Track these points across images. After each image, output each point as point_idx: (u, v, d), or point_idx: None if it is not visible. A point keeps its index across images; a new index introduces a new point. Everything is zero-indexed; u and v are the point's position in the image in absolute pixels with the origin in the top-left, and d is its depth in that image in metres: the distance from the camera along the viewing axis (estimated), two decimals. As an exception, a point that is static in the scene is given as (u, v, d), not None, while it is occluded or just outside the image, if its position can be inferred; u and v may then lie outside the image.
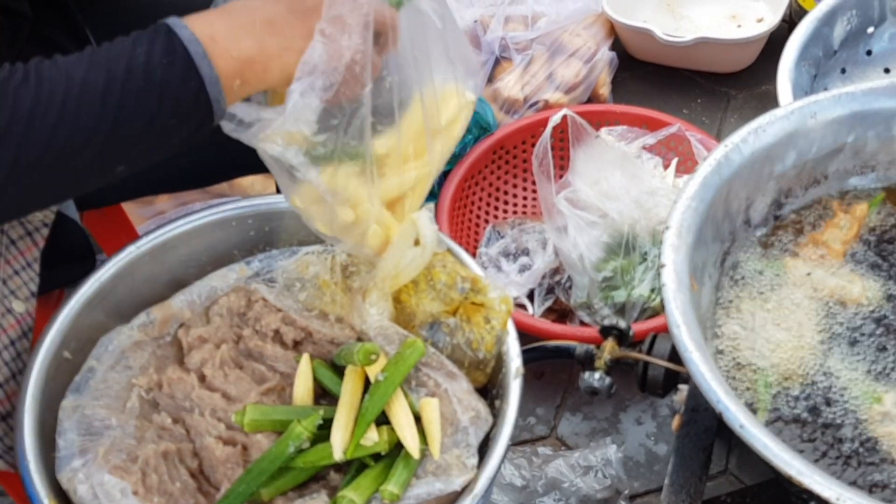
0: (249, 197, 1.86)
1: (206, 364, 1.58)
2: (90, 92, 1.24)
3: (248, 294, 1.67)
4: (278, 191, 2.09)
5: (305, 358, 1.56)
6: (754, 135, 1.71)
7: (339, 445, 1.45)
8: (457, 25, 1.56)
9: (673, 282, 1.50)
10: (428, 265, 1.62)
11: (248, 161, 1.94)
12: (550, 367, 2.37)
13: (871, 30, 2.43)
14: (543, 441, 2.27)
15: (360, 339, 1.59)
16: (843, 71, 2.43)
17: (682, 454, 1.64)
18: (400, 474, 1.45)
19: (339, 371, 1.57)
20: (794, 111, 1.75)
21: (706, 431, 1.66)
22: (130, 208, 2.20)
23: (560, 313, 2.39)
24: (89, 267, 1.66)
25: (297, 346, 1.63)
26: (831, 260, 1.72)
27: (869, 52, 2.45)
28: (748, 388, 1.54)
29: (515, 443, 2.24)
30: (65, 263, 1.66)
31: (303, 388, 1.55)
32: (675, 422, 1.68)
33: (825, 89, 2.30)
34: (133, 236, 1.98)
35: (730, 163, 1.68)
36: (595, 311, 2.29)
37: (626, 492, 2.10)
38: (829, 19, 2.37)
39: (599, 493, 2.06)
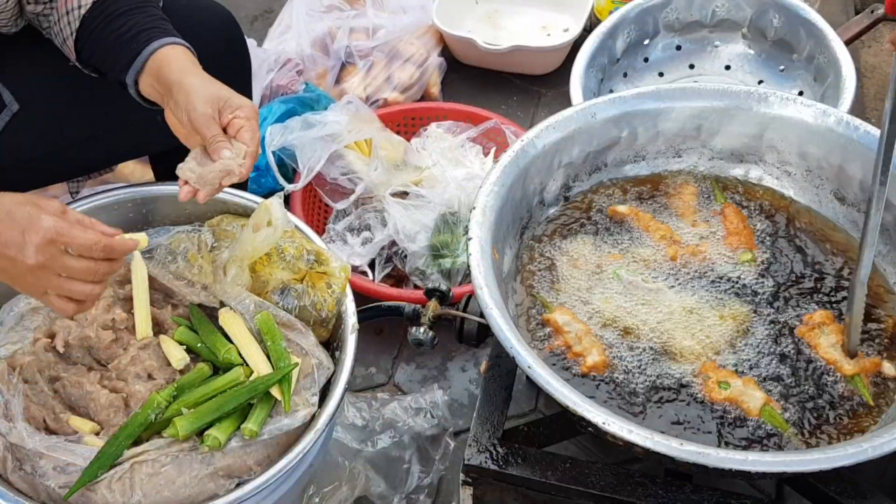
0: (130, 184, 1.93)
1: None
2: None
3: (126, 265, 1.74)
4: (155, 178, 2.15)
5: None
6: (546, 131, 1.84)
7: None
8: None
9: (477, 252, 1.62)
10: (279, 241, 1.73)
11: (127, 150, 2.00)
12: (389, 325, 2.42)
13: (647, 42, 2.58)
14: (382, 388, 2.32)
15: (221, 305, 1.69)
16: (626, 75, 2.57)
17: (488, 392, 1.74)
18: (258, 415, 1.56)
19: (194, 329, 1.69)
20: (578, 112, 1.89)
21: (507, 374, 1.77)
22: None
23: (398, 279, 2.46)
24: None
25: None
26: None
27: (646, 60, 2.60)
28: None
29: (357, 389, 2.29)
30: None
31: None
32: (483, 365, 1.79)
33: (610, 91, 2.45)
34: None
35: (526, 155, 1.81)
36: (427, 276, 2.38)
37: (451, 429, 2.13)
38: (612, 33, 2.51)
39: (428, 431, 2.11)
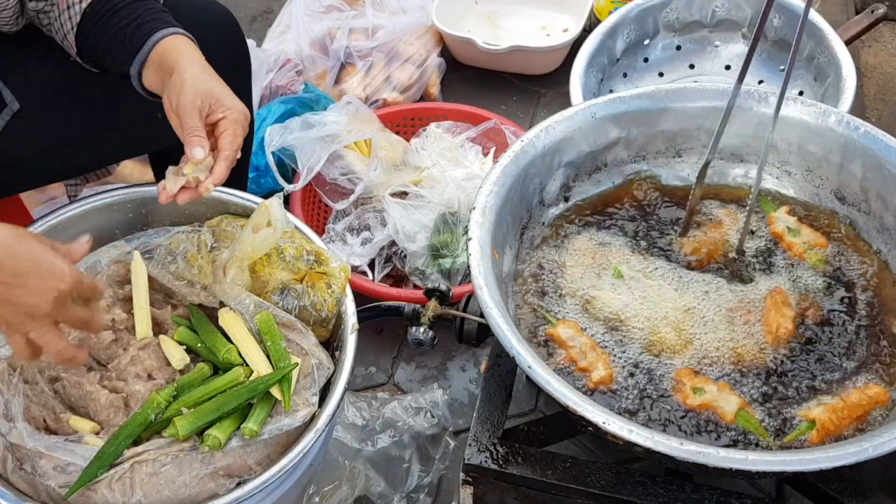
0: (129, 185, 1.93)
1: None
2: None
3: (126, 266, 1.75)
4: (155, 179, 2.15)
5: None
6: (545, 132, 1.84)
7: None
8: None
9: (477, 252, 1.62)
10: (278, 241, 1.72)
11: (128, 148, 2.00)
12: (389, 325, 2.42)
13: (647, 42, 2.58)
14: (382, 387, 2.32)
15: (221, 305, 1.69)
16: (625, 75, 2.57)
17: (488, 392, 1.74)
18: (258, 414, 1.56)
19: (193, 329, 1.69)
20: (577, 112, 1.88)
21: (507, 373, 1.77)
22: (25, 194, 2.22)
23: (397, 279, 2.46)
24: None
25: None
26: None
27: (646, 60, 2.60)
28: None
29: (357, 389, 2.29)
30: None
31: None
32: (483, 365, 1.79)
33: (610, 91, 2.44)
34: (28, 219, 2.02)
35: (525, 155, 1.80)
36: (427, 276, 2.38)
37: (451, 428, 2.14)
38: (612, 33, 2.51)
39: (428, 430, 2.11)
